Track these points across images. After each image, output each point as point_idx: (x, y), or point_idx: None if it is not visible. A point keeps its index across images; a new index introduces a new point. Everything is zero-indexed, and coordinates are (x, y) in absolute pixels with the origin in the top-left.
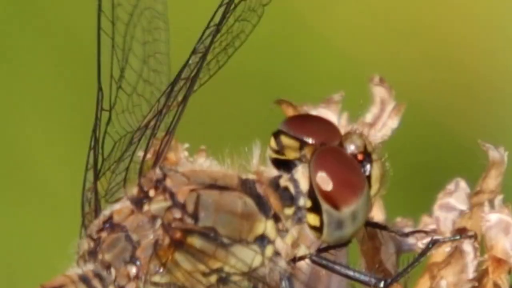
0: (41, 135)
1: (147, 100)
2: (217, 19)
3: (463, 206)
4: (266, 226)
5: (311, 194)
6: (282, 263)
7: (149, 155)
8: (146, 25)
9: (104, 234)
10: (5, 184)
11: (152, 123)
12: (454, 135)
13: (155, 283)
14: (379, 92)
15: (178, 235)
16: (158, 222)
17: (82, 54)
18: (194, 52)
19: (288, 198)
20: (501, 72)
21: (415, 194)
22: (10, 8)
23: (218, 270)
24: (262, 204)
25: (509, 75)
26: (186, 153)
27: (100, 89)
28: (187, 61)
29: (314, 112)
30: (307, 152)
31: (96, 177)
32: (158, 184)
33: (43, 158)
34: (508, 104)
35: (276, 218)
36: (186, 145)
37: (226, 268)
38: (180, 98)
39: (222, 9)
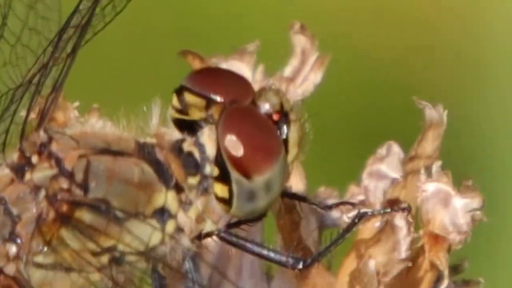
0: None
1: (33, 52)
2: None
3: (396, 174)
4: (167, 198)
5: (219, 160)
6: (185, 241)
7: (32, 115)
8: None
9: None
10: None
11: (37, 78)
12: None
13: (38, 264)
14: (299, 41)
15: (64, 208)
16: (42, 193)
17: None
18: None
19: (193, 165)
20: (470, 40)
21: (342, 160)
22: None
23: (111, 249)
24: (162, 172)
25: (471, 37)
26: (75, 113)
27: None
28: (78, 6)
29: (224, 65)
30: (214, 111)
31: None
32: (43, 149)
33: None
34: (468, 65)
35: (178, 189)
36: (76, 104)
37: (120, 247)
38: (69, 49)
39: None
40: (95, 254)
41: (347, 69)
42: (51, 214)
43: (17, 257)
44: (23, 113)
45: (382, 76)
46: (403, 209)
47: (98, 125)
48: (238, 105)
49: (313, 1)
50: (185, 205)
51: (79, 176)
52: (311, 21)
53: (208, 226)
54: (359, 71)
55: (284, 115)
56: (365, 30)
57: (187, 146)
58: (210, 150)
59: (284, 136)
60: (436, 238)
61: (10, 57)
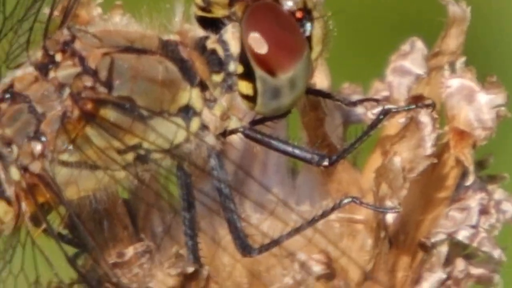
0: None
1: None
2: None
3: (420, 70)
4: (191, 95)
5: (243, 58)
6: (210, 138)
7: (56, 13)
8: None
9: (4, 105)
10: None
11: None
12: None
13: (63, 162)
14: None
15: (89, 106)
16: (66, 91)
17: None
18: None
19: (217, 63)
20: None
21: (366, 56)
22: None
23: (136, 147)
24: (186, 70)
25: None
26: (99, 10)
27: None
28: None
29: None
30: (237, 8)
31: None
32: (66, 47)
33: None
34: None
35: (203, 86)
36: (99, 1)
37: (145, 145)
38: None
39: None
40: (120, 152)
41: None
42: (76, 112)
43: (42, 155)
44: (46, 11)
45: None
46: (427, 105)
47: (121, 23)
48: (262, 2)
49: None
50: (209, 102)
51: (103, 74)
52: None
53: (233, 123)
54: None
55: (307, 12)
56: None
57: (211, 43)
58: (234, 48)
59: (307, 33)
60: (461, 134)
61: None
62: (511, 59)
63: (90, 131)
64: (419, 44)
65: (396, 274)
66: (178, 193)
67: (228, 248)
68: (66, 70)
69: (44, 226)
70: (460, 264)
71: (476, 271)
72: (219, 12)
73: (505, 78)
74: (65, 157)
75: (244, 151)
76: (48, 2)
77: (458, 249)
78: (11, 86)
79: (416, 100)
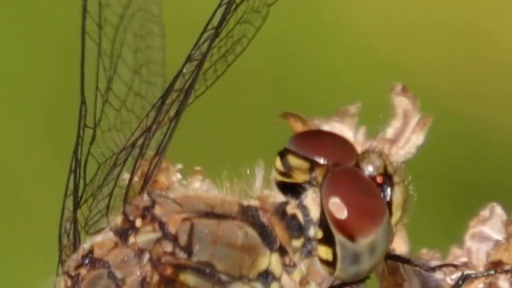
0: (24, 158)
1: (137, 116)
2: (215, 21)
3: (499, 236)
4: (271, 261)
5: (323, 223)
6: None
7: (136, 179)
8: (139, 29)
9: (83, 271)
10: None
11: (140, 141)
12: (500, 149)
13: None
14: (401, 103)
15: (169, 271)
16: (146, 256)
17: (62, 63)
18: (189, 59)
19: (296, 228)
20: None
21: (445, 221)
22: None
23: None
24: (266, 235)
25: None
26: (179, 176)
27: (83, 102)
28: (181, 70)
29: (326, 127)
30: (318, 174)
31: (77, 205)
32: (146, 213)
33: (24, 182)
34: None
35: (282, 251)
36: (179, 166)
37: None
38: (172, 112)
39: (221, 9)
40: None
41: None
42: (156, 277)
43: None
44: (126, 176)
45: (476, 130)
46: (506, 271)
47: (201, 188)
48: (342, 167)
49: (403, 58)
50: (289, 267)
51: (183, 239)
52: (405, 80)
53: None
54: (452, 125)
55: (387, 177)
56: (453, 83)
57: (291, 208)
58: (314, 213)
59: (388, 199)
60: None
61: (114, 122)
62: None
63: None
64: (498, 210)
65: None
66: None
67: None
68: (146, 236)
69: None
70: None
71: None
72: (299, 177)
73: None
74: None
75: None
76: (128, 168)
77: None
78: (90, 251)
79: (495, 266)
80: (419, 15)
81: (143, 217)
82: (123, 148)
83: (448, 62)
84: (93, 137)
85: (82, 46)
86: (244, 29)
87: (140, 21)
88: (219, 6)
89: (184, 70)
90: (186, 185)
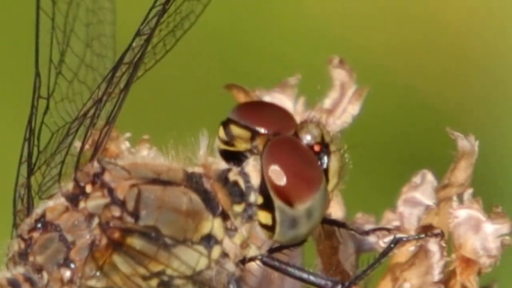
0: None
1: (89, 88)
2: None
3: (430, 201)
4: (213, 225)
5: (263, 189)
6: (230, 265)
7: (87, 146)
8: (90, 4)
9: (36, 234)
10: None
11: (92, 111)
12: (436, 117)
13: None
14: (338, 75)
15: (116, 235)
16: (95, 220)
17: (17, 37)
18: (138, 34)
19: (238, 194)
20: (501, 65)
21: (380, 187)
22: None
23: (160, 273)
24: (209, 201)
25: (509, 68)
26: (127, 144)
27: (37, 74)
28: (130, 44)
29: (267, 97)
30: (259, 143)
31: (30, 171)
32: (96, 179)
33: None
34: (507, 97)
35: (224, 216)
36: (128, 135)
37: (169, 271)
38: (122, 84)
39: None
40: (144, 278)
41: (380, 97)
42: (104, 241)
43: (71, 281)
44: (77, 144)
45: (416, 103)
46: (436, 235)
47: (148, 156)
48: (281, 136)
49: (348, 36)
50: (230, 231)
51: (130, 205)
52: (346, 54)
53: (252, 251)
54: (393, 99)
55: (324, 146)
56: (398, 58)
57: (233, 175)
58: (255, 180)
59: (324, 166)
60: (467, 262)
61: (67, 92)
62: None
63: (117, 258)
64: (429, 177)
65: None
66: None
67: None
68: (95, 201)
69: None
70: None
71: None
72: (241, 146)
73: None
74: (92, 282)
75: (261, 277)
76: (79, 136)
77: None
78: (43, 216)
79: (426, 230)
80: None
81: (93, 183)
82: (75, 118)
83: (393, 42)
84: (47, 107)
85: (36, 21)
86: (192, 5)
87: None
88: None
89: (134, 44)
90: (134, 153)
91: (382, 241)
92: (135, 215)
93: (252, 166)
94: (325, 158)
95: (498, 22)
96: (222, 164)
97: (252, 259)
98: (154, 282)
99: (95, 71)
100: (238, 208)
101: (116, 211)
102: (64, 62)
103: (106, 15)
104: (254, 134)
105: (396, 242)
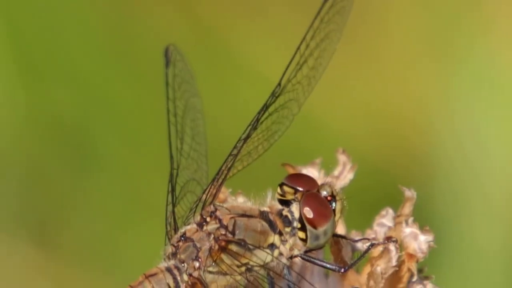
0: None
1: (195, 161)
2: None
3: (391, 224)
4: (274, 238)
5: (301, 220)
6: (284, 259)
7: (208, 197)
8: (192, 116)
9: (180, 243)
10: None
11: (210, 186)
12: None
13: (209, 271)
14: (342, 158)
15: (223, 244)
16: (212, 236)
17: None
18: (240, 140)
19: (287, 222)
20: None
21: (364, 219)
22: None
23: (246, 264)
24: (272, 226)
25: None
26: (228, 194)
27: (171, 157)
28: (234, 147)
29: (304, 170)
30: (298, 195)
31: (173, 212)
32: (212, 214)
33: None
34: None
35: (280, 234)
36: (229, 190)
37: (251, 263)
38: (228, 171)
39: (259, 115)
40: (238, 266)
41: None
42: (216, 247)
43: (199, 268)
44: (203, 197)
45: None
46: (394, 241)
47: (240, 201)
48: (310, 192)
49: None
50: (283, 242)
51: (230, 227)
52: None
53: (295, 252)
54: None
55: (333, 197)
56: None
57: (285, 212)
58: (296, 215)
59: (333, 208)
60: (410, 256)
61: (185, 164)
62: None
63: (223, 256)
64: (390, 211)
65: None
66: (268, 286)
67: None
68: (212, 226)
69: None
70: None
71: None
72: (289, 196)
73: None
74: (210, 269)
75: (301, 266)
76: (199, 189)
77: None
78: (184, 234)
79: (388, 239)
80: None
81: (211, 216)
82: (203, 191)
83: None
84: (177, 173)
85: (168, 125)
86: (279, 126)
87: (192, 111)
88: (258, 113)
89: (237, 146)
90: (233, 200)
91: (365, 245)
92: (233, 233)
93: (295, 208)
94: (334, 204)
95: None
96: (279, 206)
97: (295, 256)
98: (243, 268)
99: (197, 152)
100: (287, 229)
101: (223, 231)
102: (182, 148)
103: (199, 123)
104: (296, 191)
105: (372, 245)
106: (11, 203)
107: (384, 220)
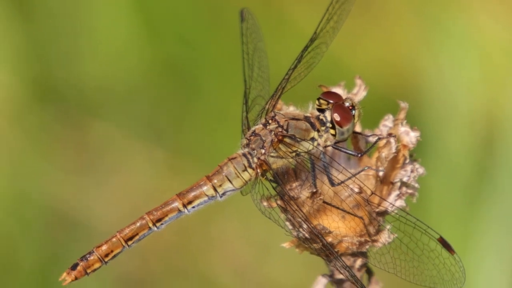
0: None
1: (261, 84)
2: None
3: (391, 125)
4: (314, 134)
5: (331, 122)
6: (321, 148)
7: (269, 107)
8: (258, 54)
9: (252, 137)
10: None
11: (270, 99)
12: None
13: (271, 156)
14: (358, 82)
15: (280, 137)
16: (272, 132)
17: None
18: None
19: (323, 123)
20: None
21: (372, 121)
22: None
23: (295, 151)
24: (312, 125)
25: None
26: (283, 104)
27: (245, 80)
28: (286, 73)
29: (333, 89)
30: (330, 105)
31: (246, 117)
32: (272, 118)
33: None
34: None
35: (318, 131)
36: (283, 102)
37: (299, 150)
38: (283, 90)
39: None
40: (290, 152)
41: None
42: (275, 139)
43: (264, 153)
44: (266, 106)
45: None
46: (393, 136)
47: (291, 109)
48: (338, 103)
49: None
50: (320, 136)
51: (285, 127)
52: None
53: (328, 143)
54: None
55: (353, 107)
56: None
57: (321, 117)
58: (328, 118)
59: (353, 114)
60: (404, 146)
61: (254, 86)
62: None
63: (280, 145)
64: (391, 116)
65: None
66: (310, 166)
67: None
68: (272, 126)
69: (265, 177)
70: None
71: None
72: (324, 106)
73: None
74: (272, 154)
75: (332, 152)
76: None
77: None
78: (254, 131)
79: (390, 135)
80: None
81: (271, 119)
82: (266, 103)
83: None
84: (249, 94)
85: (243, 59)
86: (312, 61)
87: (258, 50)
88: (303, 50)
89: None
90: (286, 108)
91: (374, 139)
92: (287, 130)
93: (327, 113)
94: (353, 111)
95: None
96: (317, 113)
97: (328, 146)
98: (293, 154)
99: (263, 77)
100: (323, 128)
101: (280, 129)
102: (252, 75)
103: (263, 58)
104: (328, 102)
105: (379, 139)
106: (144, 117)
107: (387, 123)
